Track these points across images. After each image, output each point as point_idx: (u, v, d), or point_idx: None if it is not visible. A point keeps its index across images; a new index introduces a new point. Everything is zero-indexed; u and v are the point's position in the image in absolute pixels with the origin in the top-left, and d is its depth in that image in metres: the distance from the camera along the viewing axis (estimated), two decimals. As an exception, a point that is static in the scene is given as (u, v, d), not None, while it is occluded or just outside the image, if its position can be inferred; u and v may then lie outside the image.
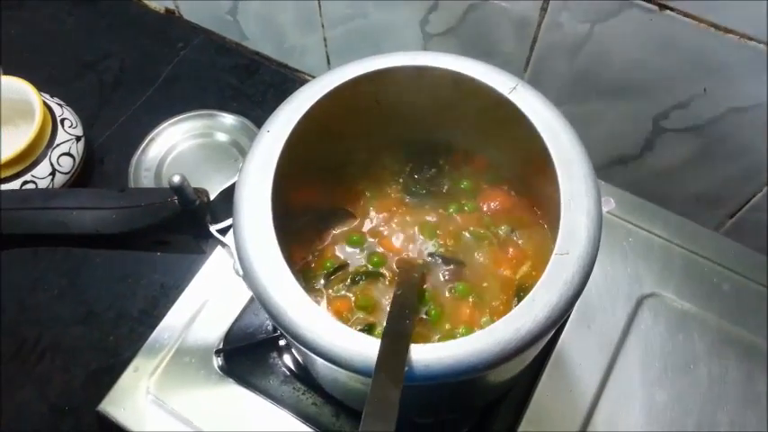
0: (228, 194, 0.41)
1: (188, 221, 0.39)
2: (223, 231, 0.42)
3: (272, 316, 0.36)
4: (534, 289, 0.36)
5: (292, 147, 0.41)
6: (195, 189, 0.39)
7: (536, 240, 0.47)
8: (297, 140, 0.42)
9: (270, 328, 0.57)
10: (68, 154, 0.74)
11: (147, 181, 0.78)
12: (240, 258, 0.38)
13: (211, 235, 0.40)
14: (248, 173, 0.40)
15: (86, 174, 0.79)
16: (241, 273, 0.38)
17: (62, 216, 0.37)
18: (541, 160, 0.40)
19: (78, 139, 0.76)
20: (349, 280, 0.48)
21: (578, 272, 0.36)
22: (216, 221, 0.41)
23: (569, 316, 0.56)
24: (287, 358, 0.56)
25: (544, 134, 0.40)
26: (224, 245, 0.40)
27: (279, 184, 0.40)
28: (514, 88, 0.42)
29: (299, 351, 0.41)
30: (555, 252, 0.36)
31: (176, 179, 0.36)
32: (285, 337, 0.40)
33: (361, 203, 0.51)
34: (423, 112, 0.47)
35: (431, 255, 0.49)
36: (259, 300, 0.37)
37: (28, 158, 0.70)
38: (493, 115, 0.43)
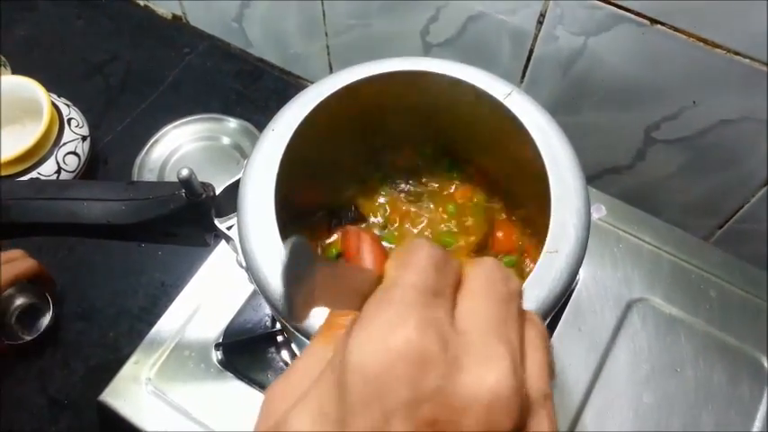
0: (233, 190, 0.42)
1: (194, 214, 0.41)
2: (227, 226, 0.43)
3: (273, 306, 0.38)
4: (524, 284, 0.37)
5: (296, 146, 0.42)
6: (202, 183, 0.40)
7: (532, 242, 0.49)
8: (300, 140, 0.43)
9: (268, 323, 0.58)
10: (74, 153, 0.75)
11: (150, 181, 0.79)
12: (243, 251, 0.39)
13: (216, 228, 0.42)
14: (252, 169, 0.41)
15: (91, 173, 0.80)
16: (244, 265, 0.39)
17: (74, 206, 0.38)
18: (534, 162, 0.42)
19: (84, 138, 0.77)
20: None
21: (566, 269, 0.37)
22: (220, 216, 0.43)
23: (561, 317, 0.57)
24: (284, 353, 0.57)
25: (536, 137, 0.41)
26: (228, 238, 0.41)
27: (283, 181, 0.41)
28: (509, 94, 0.43)
29: (298, 343, 0.42)
30: (545, 250, 0.38)
31: (185, 172, 0.38)
32: (285, 329, 0.41)
33: (364, 203, 0.52)
34: (422, 116, 0.48)
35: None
36: (260, 291, 0.38)
37: (35, 156, 0.72)
38: (489, 119, 0.45)
